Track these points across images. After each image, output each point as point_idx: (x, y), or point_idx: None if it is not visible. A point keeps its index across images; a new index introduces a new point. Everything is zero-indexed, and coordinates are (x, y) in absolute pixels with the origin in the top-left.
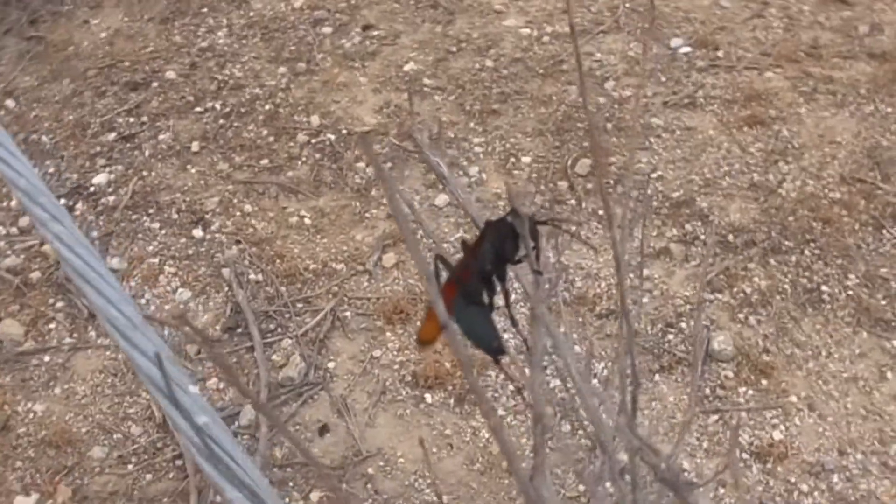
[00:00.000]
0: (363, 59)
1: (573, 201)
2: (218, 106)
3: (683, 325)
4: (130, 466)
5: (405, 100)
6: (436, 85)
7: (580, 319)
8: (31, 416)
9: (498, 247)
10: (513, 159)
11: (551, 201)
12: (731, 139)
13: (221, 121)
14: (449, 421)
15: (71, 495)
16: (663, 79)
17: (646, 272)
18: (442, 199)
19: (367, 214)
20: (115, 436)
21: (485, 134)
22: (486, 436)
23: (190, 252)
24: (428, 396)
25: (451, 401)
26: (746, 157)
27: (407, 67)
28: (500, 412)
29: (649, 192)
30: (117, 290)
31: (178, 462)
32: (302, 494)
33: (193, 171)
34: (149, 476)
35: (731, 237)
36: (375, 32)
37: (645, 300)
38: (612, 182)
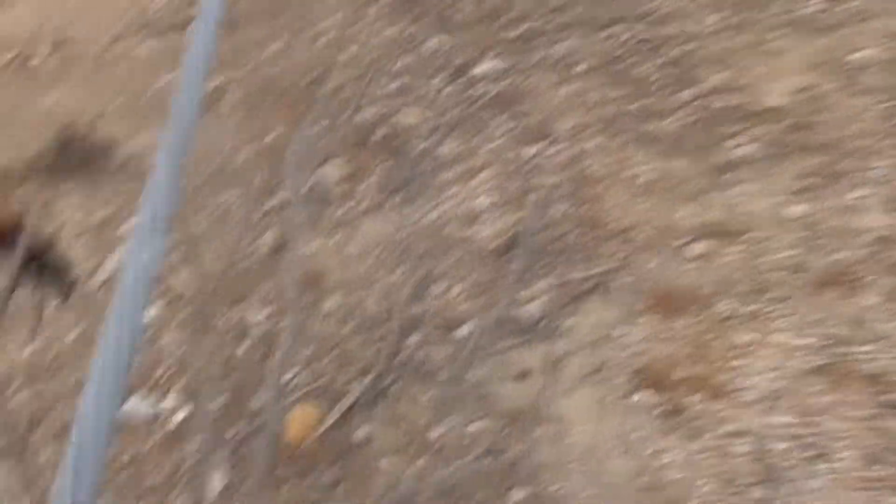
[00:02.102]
0: None
1: None
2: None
3: None
4: None
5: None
6: None
7: None
8: None
9: None
10: None
11: None
12: None
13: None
14: (644, 426)
15: None
16: None
17: None
18: (800, 209)
19: (703, 196)
20: None
21: None
22: (667, 459)
23: (513, 167)
24: (638, 395)
25: (659, 411)
26: None
27: None
28: None
29: None
30: None
31: None
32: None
33: (571, 88)
34: None
35: None
36: None
37: None
38: None
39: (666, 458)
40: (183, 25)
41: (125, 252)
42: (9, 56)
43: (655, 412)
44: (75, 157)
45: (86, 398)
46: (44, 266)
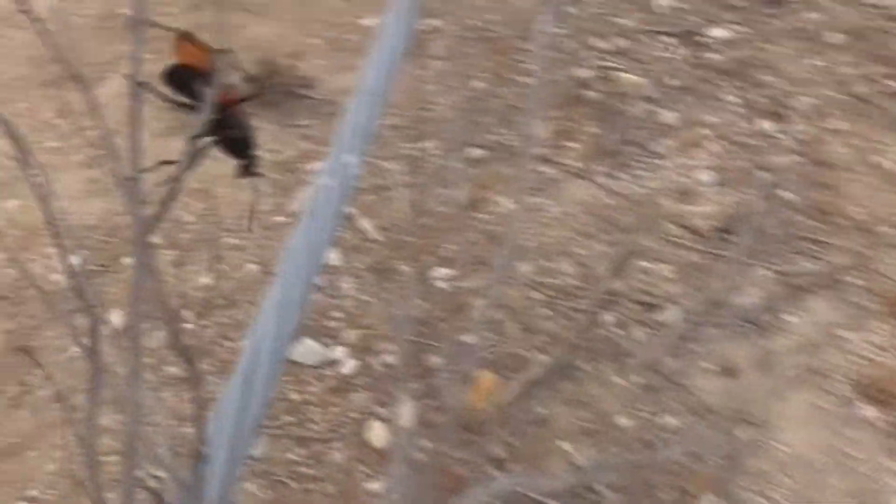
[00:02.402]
0: None
1: None
2: None
3: None
4: None
5: None
6: None
7: None
8: None
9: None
10: None
11: None
12: None
13: None
14: (864, 443)
15: None
16: None
17: None
18: None
19: None
20: None
21: None
22: (890, 483)
23: (742, 139)
24: (864, 407)
25: (885, 428)
26: None
27: None
28: None
29: None
30: None
31: None
32: None
33: (817, 61)
34: None
35: None
36: None
37: None
38: None
39: (889, 482)
40: None
41: (312, 193)
42: None
43: (880, 428)
44: (271, 92)
45: (255, 335)
46: (230, 127)
